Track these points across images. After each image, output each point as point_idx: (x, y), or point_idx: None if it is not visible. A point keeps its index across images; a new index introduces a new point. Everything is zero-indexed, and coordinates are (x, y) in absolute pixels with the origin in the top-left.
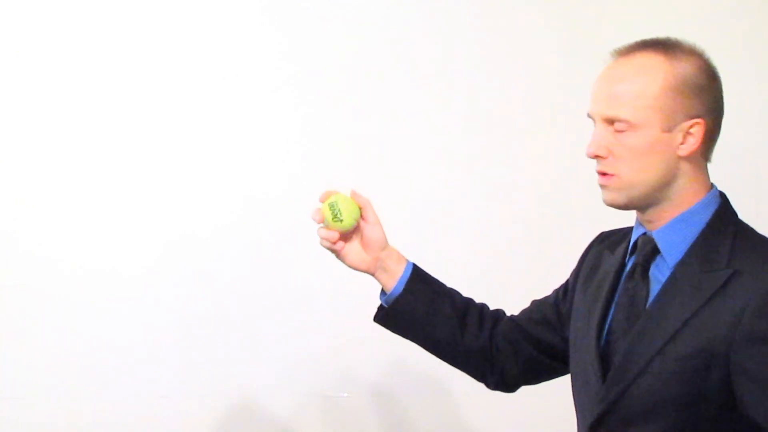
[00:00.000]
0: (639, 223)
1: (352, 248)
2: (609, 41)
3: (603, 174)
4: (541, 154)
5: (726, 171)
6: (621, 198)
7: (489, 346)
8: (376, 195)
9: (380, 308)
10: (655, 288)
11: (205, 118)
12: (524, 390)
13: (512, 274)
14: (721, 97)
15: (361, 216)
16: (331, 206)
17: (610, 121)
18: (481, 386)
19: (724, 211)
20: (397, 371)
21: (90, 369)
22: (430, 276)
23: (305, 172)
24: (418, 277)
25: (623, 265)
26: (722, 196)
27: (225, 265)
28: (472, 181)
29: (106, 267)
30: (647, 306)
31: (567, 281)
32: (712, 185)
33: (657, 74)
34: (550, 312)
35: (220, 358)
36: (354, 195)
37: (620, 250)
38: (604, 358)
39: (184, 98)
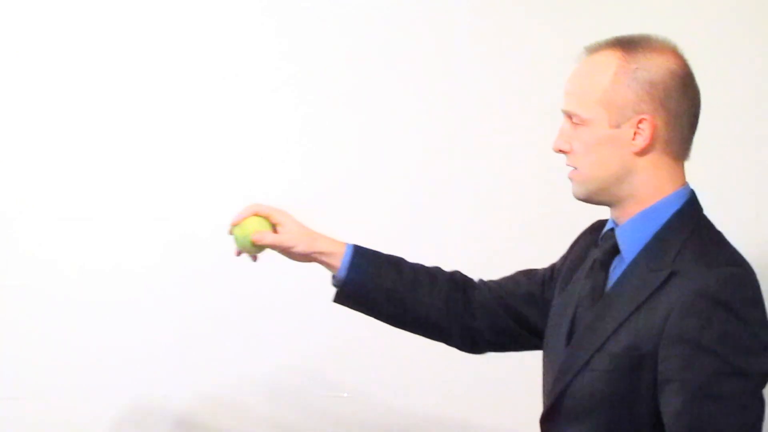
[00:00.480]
0: (611, 220)
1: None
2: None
3: (570, 167)
4: (545, 153)
5: (727, 171)
6: (581, 191)
7: (446, 309)
8: (376, 194)
9: (337, 290)
10: (611, 284)
11: (205, 118)
12: (528, 390)
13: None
14: (689, 95)
15: (273, 225)
16: (234, 238)
17: (569, 116)
18: (483, 386)
19: (686, 210)
20: (397, 371)
21: (90, 369)
22: (371, 250)
23: (305, 172)
24: (359, 254)
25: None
26: (691, 195)
27: (225, 265)
28: (473, 180)
29: (106, 267)
30: (597, 303)
31: (555, 265)
32: (685, 183)
33: (608, 70)
34: (537, 290)
35: (220, 358)
36: (256, 213)
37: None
38: None
39: (184, 98)
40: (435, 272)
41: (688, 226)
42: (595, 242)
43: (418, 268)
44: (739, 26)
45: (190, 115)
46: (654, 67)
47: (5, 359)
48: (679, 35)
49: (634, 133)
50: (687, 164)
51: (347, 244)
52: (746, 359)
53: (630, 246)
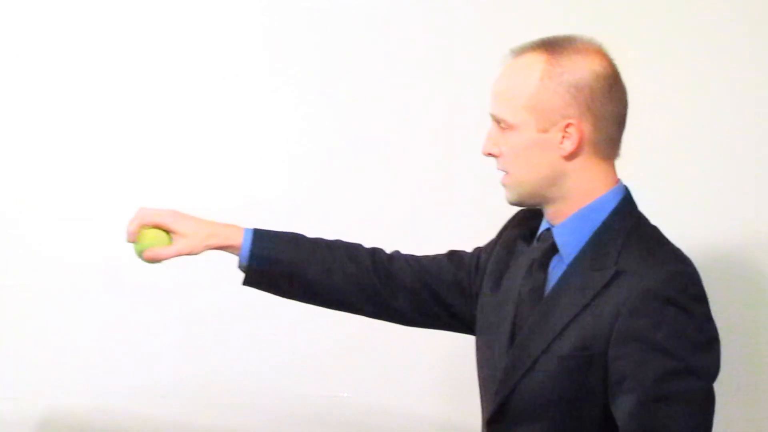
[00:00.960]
0: (546, 219)
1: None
2: (606, 40)
3: (501, 172)
4: None
5: (726, 171)
6: (514, 196)
7: (355, 282)
8: (377, 193)
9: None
10: (551, 285)
11: (205, 117)
12: None
13: None
14: (615, 97)
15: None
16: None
17: (497, 120)
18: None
19: (622, 209)
20: (397, 371)
21: (89, 369)
22: (271, 232)
23: (306, 172)
24: (258, 238)
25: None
26: (625, 192)
27: (225, 265)
28: (474, 179)
29: (106, 267)
30: (540, 303)
31: (479, 255)
32: (617, 181)
33: (533, 74)
34: (465, 279)
35: (219, 358)
36: (146, 224)
37: (532, 245)
38: None
39: (184, 98)
40: (338, 245)
41: (627, 224)
42: (524, 236)
43: (319, 243)
44: (739, 26)
45: (190, 115)
46: (579, 70)
47: (5, 359)
48: (678, 35)
49: (562, 137)
50: (687, 165)
51: (245, 229)
52: (696, 356)
53: (568, 246)
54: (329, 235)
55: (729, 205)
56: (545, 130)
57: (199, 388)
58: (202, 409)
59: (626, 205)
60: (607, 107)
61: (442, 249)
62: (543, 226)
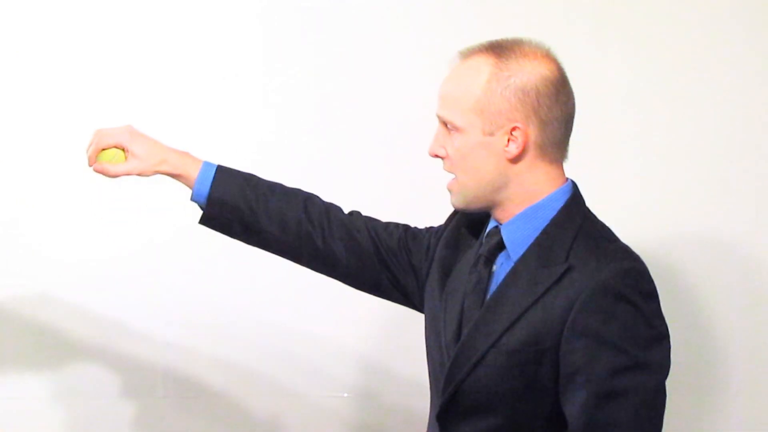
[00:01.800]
0: (492, 217)
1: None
2: (606, 41)
3: (449, 174)
4: None
5: (726, 171)
6: (460, 201)
7: (298, 230)
8: (378, 193)
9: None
10: (497, 281)
11: (205, 117)
12: None
13: None
14: (562, 100)
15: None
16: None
17: (443, 122)
18: None
19: (571, 206)
20: (397, 371)
21: (89, 369)
22: (230, 171)
23: (306, 172)
24: (219, 180)
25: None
26: (573, 189)
27: (225, 265)
28: None
29: (106, 267)
30: (486, 299)
31: (429, 238)
32: (565, 181)
33: (480, 77)
34: (417, 261)
35: (219, 358)
36: (106, 146)
37: (479, 240)
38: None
39: (185, 98)
40: (295, 196)
41: (575, 221)
42: (472, 229)
43: (276, 190)
44: (739, 27)
45: (190, 115)
46: (526, 74)
47: (5, 359)
48: (678, 34)
49: (508, 140)
50: (689, 164)
51: (204, 163)
52: (647, 351)
53: (516, 243)
54: None
55: (729, 204)
56: (491, 134)
57: (198, 387)
58: (202, 409)
59: (574, 203)
60: (554, 111)
61: None
62: (491, 224)
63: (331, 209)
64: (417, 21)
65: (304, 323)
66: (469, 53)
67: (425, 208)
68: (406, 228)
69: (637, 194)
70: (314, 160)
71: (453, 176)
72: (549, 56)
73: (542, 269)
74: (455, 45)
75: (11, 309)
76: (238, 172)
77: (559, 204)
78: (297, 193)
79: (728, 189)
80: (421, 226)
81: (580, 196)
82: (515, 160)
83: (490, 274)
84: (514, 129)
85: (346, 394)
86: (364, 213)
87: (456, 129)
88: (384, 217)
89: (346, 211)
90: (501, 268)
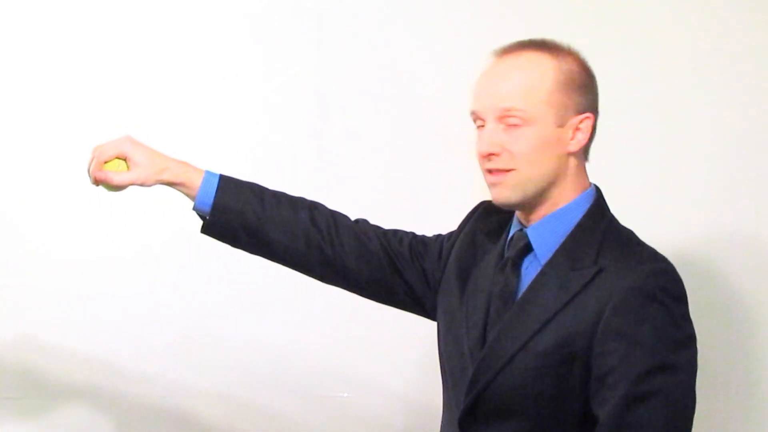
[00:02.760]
0: (517, 219)
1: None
2: (604, 41)
3: (498, 171)
4: None
5: (726, 171)
6: (516, 195)
7: (305, 239)
8: (378, 193)
9: (205, 220)
10: (525, 284)
11: (205, 117)
12: None
13: None
14: (598, 96)
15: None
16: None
17: (504, 116)
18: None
19: (596, 210)
20: (397, 371)
21: (89, 369)
22: (235, 180)
23: (305, 172)
24: (223, 187)
25: (501, 259)
26: (597, 193)
27: (224, 265)
28: (469, 178)
29: (105, 267)
30: (515, 301)
31: (442, 243)
32: (589, 184)
33: (547, 70)
34: (428, 266)
35: (219, 358)
36: (108, 158)
37: (500, 243)
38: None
39: (185, 98)
40: (302, 205)
41: (600, 224)
42: (488, 232)
43: (281, 199)
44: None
45: (190, 115)
46: (581, 70)
47: (5, 359)
48: (678, 34)
49: (574, 132)
50: (685, 165)
51: (206, 172)
52: (678, 353)
53: (544, 245)
54: None
55: (729, 205)
56: (561, 125)
57: (198, 387)
58: (202, 409)
59: (599, 206)
60: (597, 108)
61: None
62: (514, 227)
63: (338, 217)
64: (418, 21)
65: (303, 323)
66: (514, 50)
67: (426, 208)
68: (414, 235)
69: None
70: (314, 160)
71: (497, 174)
72: (581, 54)
73: (572, 272)
74: (456, 45)
75: (11, 309)
76: (242, 180)
77: (585, 207)
78: (302, 201)
79: (732, 187)
80: (423, 225)
81: (604, 200)
82: (574, 154)
83: (518, 277)
84: (583, 120)
85: (346, 394)
86: (365, 213)
87: (527, 122)
88: (384, 217)
89: (351, 219)
90: (528, 270)
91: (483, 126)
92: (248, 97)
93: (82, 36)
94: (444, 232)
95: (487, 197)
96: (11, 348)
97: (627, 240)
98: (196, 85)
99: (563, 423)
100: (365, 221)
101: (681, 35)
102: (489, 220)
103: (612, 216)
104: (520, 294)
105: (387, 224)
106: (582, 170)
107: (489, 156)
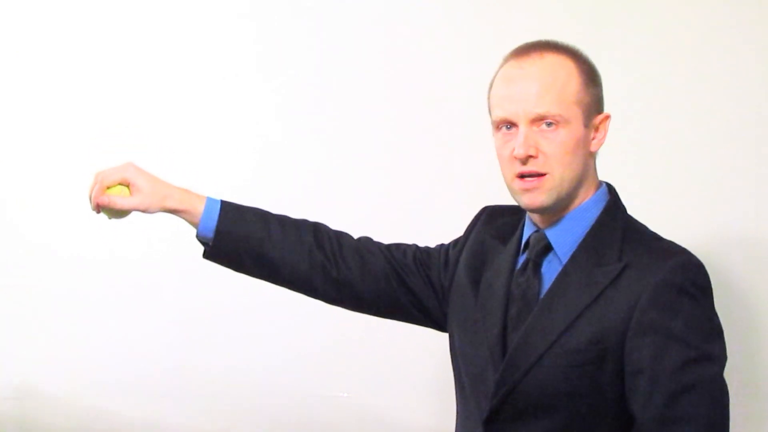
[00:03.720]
0: (530, 221)
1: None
2: (603, 41)
3: (532, 176)
4: None
5: (726, 171)
6: (550, 199)
7: (309, 260)
8: (378, 193)
9: (204, 245)
10: (546, 284)
11: (205, 118)
12: None
13: None
14: None
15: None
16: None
17: (539, 119)
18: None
19: (612, 207)
20: (397, 371)
21: (89, 369)
22: (236, 205)
23: (305, 172)
24: (226, 212)
25: (516, 261)
26: (611, 191)
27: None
28: (473, 178)
29: (105, 267)
30: (539, 301)
31: (447, 251)
32: (601, 182)
33: (571, 71)
34: (435, 276)
35: (219, 358)
36: (111, 184)
37: (512, 245)
38: (504, 352)
39: (185, 98)
40: (305, 226)
41: (618, 221)
42: (497, 235)
43: (286, 222)
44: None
45: (190, 115)
46: (594, 68)
47: (5, 359)
48: (678, 34)
49: (596, 131)
50: (686, 165)
51: (207, 198)
52: (710, 344)
53: (564, 245)
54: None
55: (729, 205)
56: (587, 125)
57: (199, 388)
58: (202, 409)
59: (615, 203)
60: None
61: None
62: (528, 229)
63: (342, 236)
64: (419, 21)
65: (303, 323)
66: (533, 52)
67: (427, 208)
68: (417, 246)
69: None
70: (315, 160)
71: (530, 179)
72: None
73: (596, 269)
74: (457, 45)
75: (11, 309)
76: (244, 206)
77: (601, 205)
78: (305, 223)
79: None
80: (424, 227)
81: (619, 196)
82: (593, 153)
83: (540, 277)
84: (603, 120)
85: (346, 394)
86: (366, 213)
87: (560, 123)
88: (386, 218)
89: (355, 238)
90: (548, 270)
91: (511, 130)
92: (249, 96)
93: (82, 36)
94: (442, 232)
95: (486, 200)
96: (11, 348)
97: (646, 235)
98: (197, 85)
99: (594, 421)
100: (368, 238)
101: (680, 35)
102: (496, 224)
103: (626, 211)
104: (543, 294)
105: (387, 226)
106: (595, 168)
107: (526, 159)
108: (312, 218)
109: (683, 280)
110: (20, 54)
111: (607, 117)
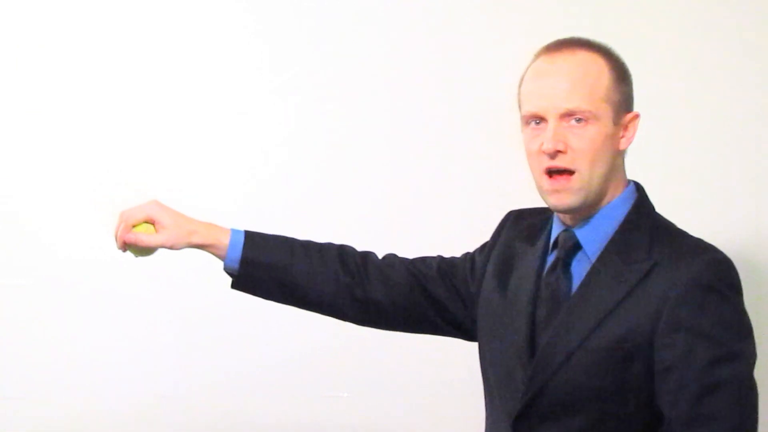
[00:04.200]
0: (558, 219)
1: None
2: (603, 41)
3: (558, 176)
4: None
5: (726, 170)
6: (578, 199)
7: (336, 285)
8: (377, 193)
9: (233, 276)
10: (576, 282)
11: (206, 116)
12: None
13: None
14: None
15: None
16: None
17: (568, 115)
18: (483, 386)
19: (640, 205)
20: (397, 371)
21: (89, 369)
22: (260, 235)
23: (306, 172)
24: (251, 241)
25: (544, 260)
26: (639, 190)
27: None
28: (472, 179)
29: (105, 266)
30: (568, 299)
31: (473, 258)
32: (629, 180)
33: (603, 68)
34: (461, 285)
35: (220, 358)
36: (136, 222)
37: (540, 245)
38: (532, 353)
39: (185, 99)
40: (329, 249)
41: (647, 219)
42: (524, 236)
43: (310, 247)
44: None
45: (190, 115)
46: (624, 66)
47: (5, 359)
48: (678, 34)
49: (625, 129)
50: (687, 164)
51: (232, 230)
52: (740, 342)
53: (593, 243)
54: (329, 235)
55: (729, 205)
56: (617, 123)
57: (199, 388)
58: (202, 409)
59: (642, 201)
60: None
61: (441, 250)
62: (557, 228)
63: (367, 256)
64: (420, 22)
65: (304, 323)
66: (564, 48)
67: (429, 209)
68: (441, 257)
69: (651, 197)
70: (315, 160)
71: (558, 179)
72: None
73: (625, 267)
74: (457, 46)
75: (11, 309)
76: (268, 234)
77: (629, 203)
78: (330, 246)
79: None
80: (430, 229)
81: (646, 195)
82: (622, 151)
83: (568, 276)
84: (632, 119)
85: (346, 394)
86: (368, 214)
87: (589, 119)
88: (391, 219)
89: (380, 257)
90: (577, 269)
91: (540, 125)
92: (248, 97)
93: (82, 35)
94: (449, 236)
95: (488, 202)
96: (11, 348)
97: (675, 232)
98: (196, 86)
99: (624, 419)
100: (392, 255)
101: (680, 34)
102: (521, 227)
103: (656, 211)
104: (572, 292)
105: (390, 226)
106: (623, 167)
107: (555, 153)
108: (313, 222)
109: (713, 277)
110: (22, 53)
111: (637, 116)
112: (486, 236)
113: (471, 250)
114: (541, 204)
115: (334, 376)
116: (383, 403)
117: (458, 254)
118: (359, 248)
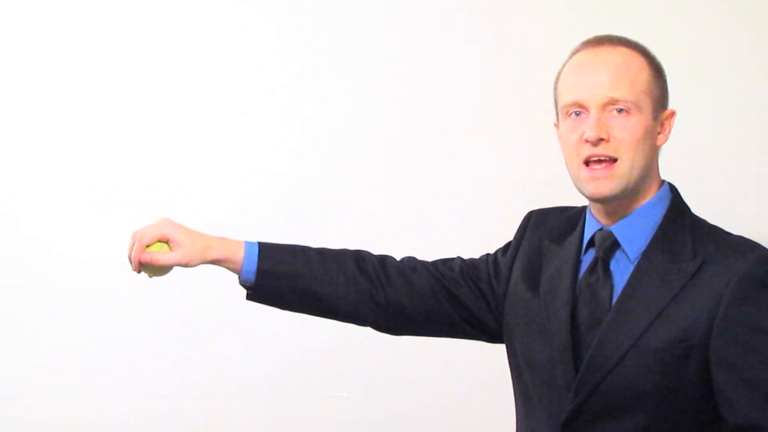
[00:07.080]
0: (593, 218)
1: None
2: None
3: (602, 161)
4: (541, 153)
5: (726, 171)
6: (619, 187)
7: (355, 291)
8: (376, 193)
9: (248, 288)
10: (617, 282)
11: (207, 116)
12: None
13: None
14: None
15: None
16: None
17: (611, 104)
18: (482, 386)
19: (677, 204)
20: (397, 371)
21: (89, 369)
22: (275, 246)
23: (305, 172)
24: (266, 252)
25: (579, 260)
26: (673, 189)
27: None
28: (471, 179)
29: (105, 267)
30: (615, 300)
31: (496, 259)
32: (662, 180)
33: (643, 63)
34: (485, 286)
35: (219, 358)
36: (150, 242)
37: (571, 244)
38: (575, 353)
39: (187, 100)
40: (345, 255)
41: (685, 218)
42: (551, 236)
43: (325, 254)
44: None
45: (191, 116)
46: (661, 67)
47: (5, 359)
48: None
49: (662, 126)
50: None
51: (246, 243)
52: None
53: (633, 243)
54: (330, 237)
55: (729, 205)
56: (655, 118)
57: (199, 388)
58: (202, 409)
59: (679, 200)
60: None
61: (444, 251)
62: (591, 227)
63: (385, 259)
64: (423, 23)
65: (304, 323)
66: (605, 43)
67: (429, 209)
68: (462, 259)
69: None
70: (315, 160)
71: (598, 166)
72: None
73: (671, 265)
74: (458, 46)
75: (11, 309)
76: (282, 244)
77: (666, 202)
78: (345, 252)
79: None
80: (436, 229)
81: (680, 195)
82: (657, 149)
83: (609, 276)
84: (669, 116)
85: (346, 394)
86: (369, 214)
87: (632, 110)
88: (397, 219)
89: (398, 259)
90: (617, 268)
91: (580, 116)
92: (249, 96)
93: (83, 35)
94: (453, 234)
95: (490, 204)
96: (11, 348)
97: (716, 231)
98: (197, 86)
99: (678, 419)
100: (412, 258)
101: (680, 34)
102: (546, 226)
103: (691, 210)
104: (615, 293)
105: (391, 226)
106: (658, 167)
107: (597, 141)
108: (314, 222)
109: (764, 273)
110: (22, 53)
111: (673, 113)
112: (490, 237)
113: (474, 251)
114: (544, 204)
115: (334, 376)
116: (383, 403)
117: (460, 255)
118: (364, 249)
